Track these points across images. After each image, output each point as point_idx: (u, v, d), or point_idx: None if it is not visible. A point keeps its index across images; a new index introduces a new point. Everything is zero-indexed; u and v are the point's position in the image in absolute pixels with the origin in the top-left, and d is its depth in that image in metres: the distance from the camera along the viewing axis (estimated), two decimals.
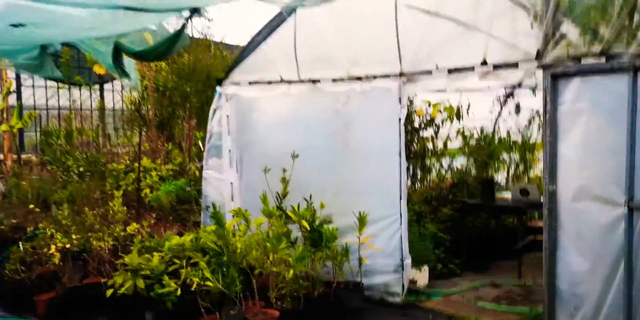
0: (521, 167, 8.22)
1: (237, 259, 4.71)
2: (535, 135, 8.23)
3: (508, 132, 8.63)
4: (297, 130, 5.83)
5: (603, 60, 3.82)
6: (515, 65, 4.37)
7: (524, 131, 8.35)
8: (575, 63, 3.96)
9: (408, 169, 7.62)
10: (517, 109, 8.30)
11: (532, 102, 8.13)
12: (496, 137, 8.27)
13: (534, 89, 7.60)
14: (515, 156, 8.32)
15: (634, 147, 3.56)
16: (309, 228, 4.81)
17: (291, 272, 4.36)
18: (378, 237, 5.23)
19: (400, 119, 5.24)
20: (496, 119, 9.34)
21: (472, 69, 4.66)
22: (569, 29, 4.12)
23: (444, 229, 6.82)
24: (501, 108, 9.61)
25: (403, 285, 5.27)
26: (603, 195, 3.77)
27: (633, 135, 3.57)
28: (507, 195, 6.96)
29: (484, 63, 4.59)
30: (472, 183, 7.63)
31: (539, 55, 4.18)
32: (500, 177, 8.54)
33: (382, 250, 5.23)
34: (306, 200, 5.25)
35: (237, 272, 4.53)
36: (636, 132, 3.58)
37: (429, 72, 4.98)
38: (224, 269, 4.48)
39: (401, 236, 5.25)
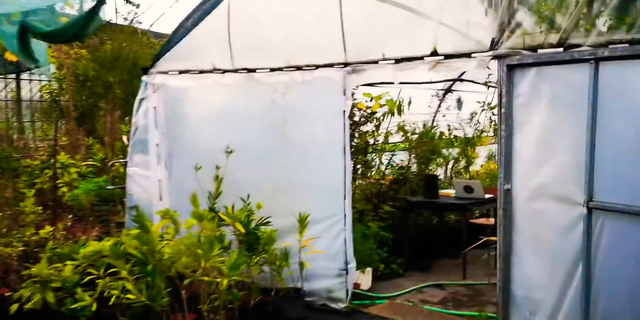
0: (462, 163, 8.06)
1: (164, 267, 4.22)
2: (480, 129, 8.11)
3: (449, 127, 8.47)
4: (232, 124, 5.36)
5: (561, 50, 3.58)
6: (468, 55, 4.09)
7: (465, 126, 8.21)
8: (532, 53, 3.71)
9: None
10: (459, 103, 8.15)
11: (475, 96, 8.02)
12: (436, 132, 8.04)
13: (486, 84, 7.45)
14: (456, 152, 8.15)
15: (594, 143, 3.34)
16: (243, 231, 4.37)
17: (225, 282, 3.91)
18: (320, 239, 4.85)
19: (344, 112, 4.87)
20: (435, 114, 9.24)
21: (421, 58, 4.35)
22: (525, 17, 3.87)
23: (385, 227, 6.55)
24: (440, 103, 9.56)
25: (347, 290, 4.91)
26: (562, 194, 3.53)
27: (593, 130, 3.34)
28: (450, 192, 6.76)
29: (434, 53, 4.28)
30: (414, 179, 7.39)
31: (494, 45, 3.92)
32: (441, 173, 8.38)
33: (324, 253, 4.85)
34: (242, 200, 4.81)
35: (164, 281, 4.04)
36: (597, 127, 3.36)
37: (375, 62, 4.63)
38: (149, 279, 3.98)
39: (345, 238, 4.89)
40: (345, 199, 4.86)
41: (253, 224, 4.63)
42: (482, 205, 6.34)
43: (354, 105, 7.21)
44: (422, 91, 8.98)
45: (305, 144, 5.00)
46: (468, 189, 6.44)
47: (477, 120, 8.61)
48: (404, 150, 8.24)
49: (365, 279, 5.51)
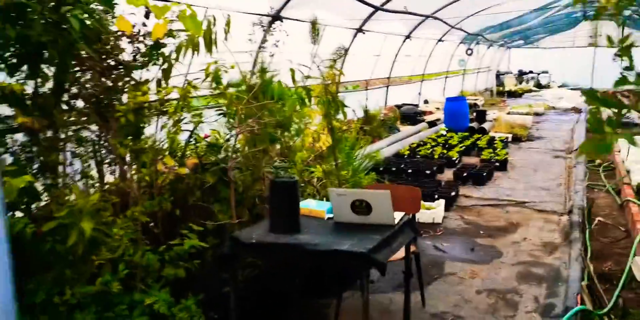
0: (325, 139, 4.49)
1: None
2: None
3: (292, 72, 4.89)
4: None
5: None
6: None
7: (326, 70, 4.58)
8: None
9: (101, 158, 3.44)
10: (315, 32, 4.57)
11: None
12: (282, 86, 4.31)
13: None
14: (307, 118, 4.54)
15: None
16: None
17: None
18: None
19: None
20: (257, 53, 5.82)
21: None
22: None
23: (189, 281, 3.03)
24: (265, 35, 6.39)
25: None
26: None
27: None
28: (320, 209, 3.32)
29: None
30: (244, 177, 3.74)
31: None
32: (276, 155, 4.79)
33: None
34: None
35: None
36: None
37: None
38: None
39: None
40: None
41: None
42: (392, 245, 3.01)
43: (106, 25, 3.38)
44: (241, 16, 5.77)
45: None
46: (361, 206, 3.07)
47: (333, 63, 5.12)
48: (214, 108, 4.51)
49: None
